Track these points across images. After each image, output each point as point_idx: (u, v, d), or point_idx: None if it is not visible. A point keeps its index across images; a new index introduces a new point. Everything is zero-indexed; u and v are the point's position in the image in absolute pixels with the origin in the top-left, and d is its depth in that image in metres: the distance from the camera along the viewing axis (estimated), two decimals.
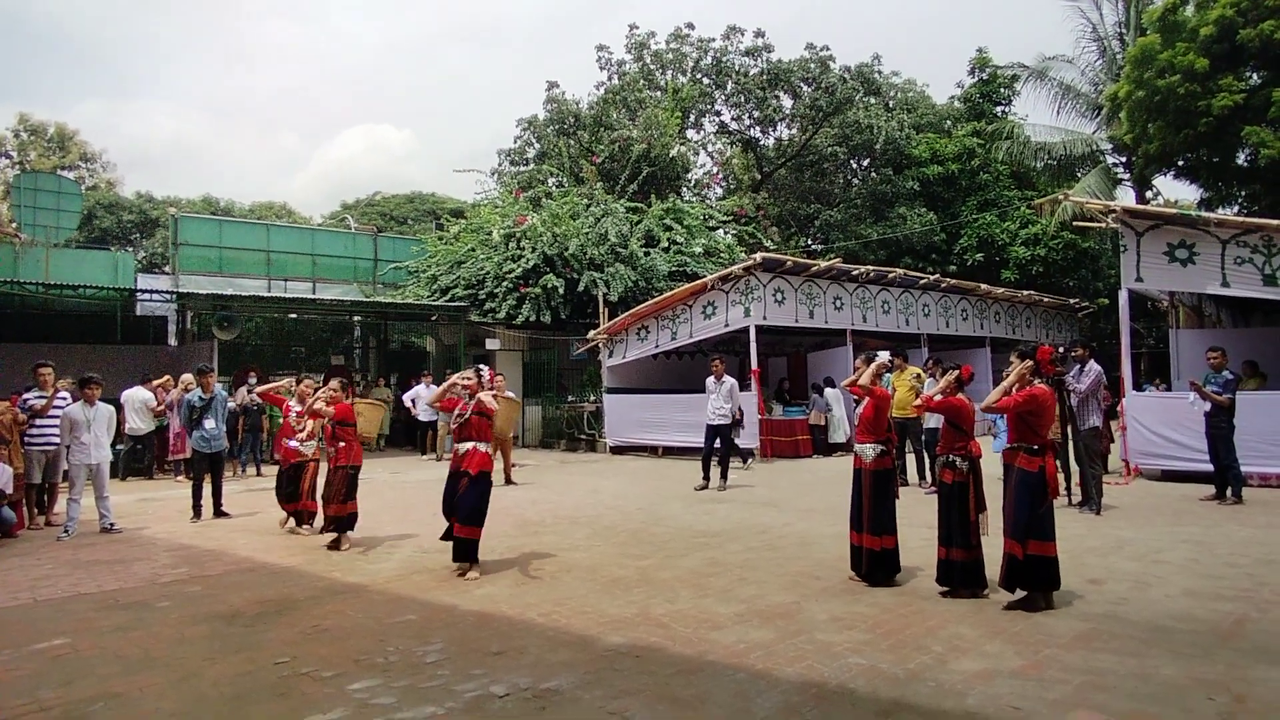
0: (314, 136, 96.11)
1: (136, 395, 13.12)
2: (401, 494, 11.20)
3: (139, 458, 13.58)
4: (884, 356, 6.26)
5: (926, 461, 10.68)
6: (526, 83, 75.17)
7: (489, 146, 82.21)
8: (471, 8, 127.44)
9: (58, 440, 8.94)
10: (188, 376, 13.06)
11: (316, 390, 8.44)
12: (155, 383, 13.49)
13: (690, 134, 28.80)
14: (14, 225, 21.26)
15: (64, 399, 9.07)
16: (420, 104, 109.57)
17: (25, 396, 9.06)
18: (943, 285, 18.49)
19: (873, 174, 28.51)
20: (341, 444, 7.42)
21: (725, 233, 23.83)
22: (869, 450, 5.89)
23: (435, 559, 6.74)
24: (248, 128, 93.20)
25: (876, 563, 5.73)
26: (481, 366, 6.74)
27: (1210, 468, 9.38)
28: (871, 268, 17.10)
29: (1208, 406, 9.20)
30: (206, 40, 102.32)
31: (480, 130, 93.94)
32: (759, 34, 28.18)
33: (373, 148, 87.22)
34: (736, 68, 28.17)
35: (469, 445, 6.27)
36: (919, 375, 11.07)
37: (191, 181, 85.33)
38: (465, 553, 6.20)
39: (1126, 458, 11.10)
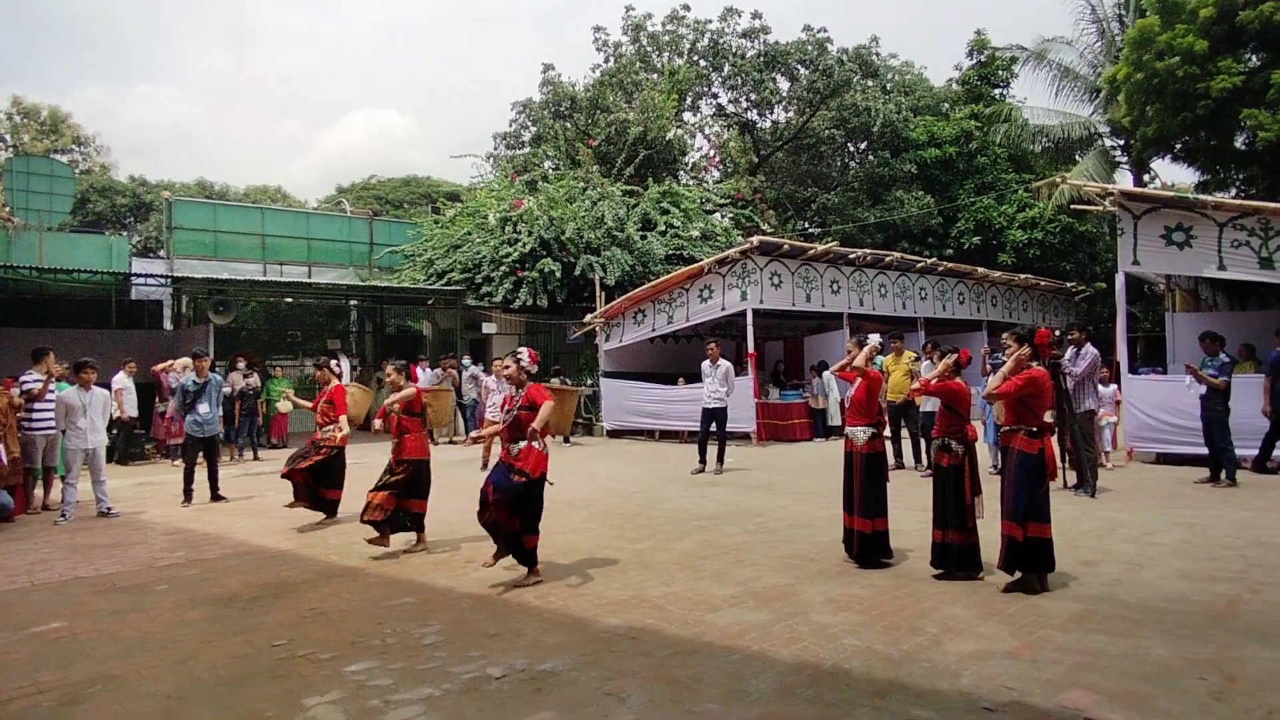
0: (316, 122, 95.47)
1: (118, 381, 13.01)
2: None
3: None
4: (874, 340, 6.25)
5: (922, 445, 10.70)
6: (527, 65, 74.67)
7: (488, 130, 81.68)
8: None
9: (54, 425, 8.93)
10: (184, 360, 13.05)
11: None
12: (159, 366, 13.46)
13: (687, 117, 28.59)
14: (7, 209, 21.13)
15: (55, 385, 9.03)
16: (423, 87, 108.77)
17: (23, 379, 9.03)
18: (940, 269, 18.46)
19: (870, 157, 28.36)
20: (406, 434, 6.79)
21: (722, 216, 23.74)
22: (860, 433, 5.90)
23: (432, 542, 6.76)
24: (250, 113, 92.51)
25: (867, 545, 5.78)
26: (519, 350, 5.96)
27: (1205, 450, 9.39)
28: (868, 251, 17.06)
29: (1204, 389, 9.23)
30: (211, 23, 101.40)
31: (480, 113, 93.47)
32: (756, 16, 27.97)
33: (375, 133, 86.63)
34: (733, 50, 27.94)
35: (522, 444, 5.56)
36: (915, 358, 11.08)
37: (191, 168, 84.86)
38: (529, 560, 5.69)
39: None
